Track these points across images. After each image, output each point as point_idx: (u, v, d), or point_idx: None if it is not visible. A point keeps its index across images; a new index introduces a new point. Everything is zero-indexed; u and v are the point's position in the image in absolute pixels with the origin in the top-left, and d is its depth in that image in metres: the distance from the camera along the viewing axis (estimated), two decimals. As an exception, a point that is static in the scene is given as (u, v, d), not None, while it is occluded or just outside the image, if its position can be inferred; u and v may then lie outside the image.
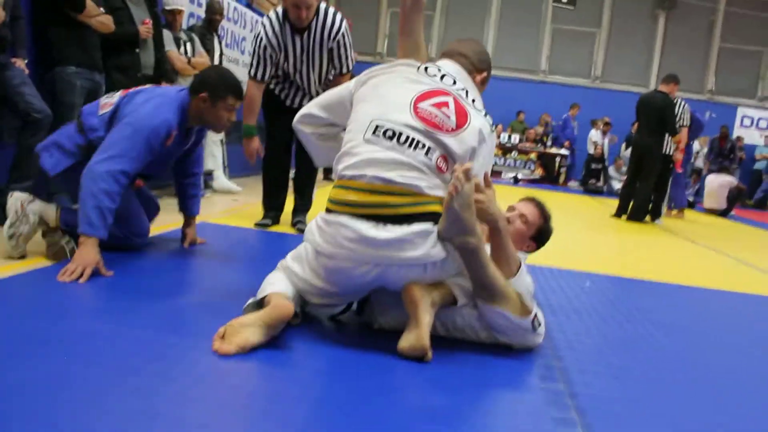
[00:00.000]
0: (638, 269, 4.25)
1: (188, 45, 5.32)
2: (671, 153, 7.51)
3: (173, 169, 3.18)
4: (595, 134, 13.37)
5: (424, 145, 1.97)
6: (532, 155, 13.76)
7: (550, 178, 13.61)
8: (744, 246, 6.64)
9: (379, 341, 2.02)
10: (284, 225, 4.25)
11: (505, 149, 13.73)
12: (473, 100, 2.15)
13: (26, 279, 2.42)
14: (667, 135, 7.40)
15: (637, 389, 1.95)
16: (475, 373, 1.90)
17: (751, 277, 4.61)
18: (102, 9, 4.01)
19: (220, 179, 6.11)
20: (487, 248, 2.06)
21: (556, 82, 14.99)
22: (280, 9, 3.81)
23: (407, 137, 1.98)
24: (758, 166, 14.03)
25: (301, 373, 1.78)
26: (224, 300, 2.30)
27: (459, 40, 2.36)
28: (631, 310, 3.00)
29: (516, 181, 13.28)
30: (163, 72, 4.74)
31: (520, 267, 2.12)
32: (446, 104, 2.05)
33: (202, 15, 6.01)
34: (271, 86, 4.13)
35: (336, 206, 1.98)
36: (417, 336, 1.88)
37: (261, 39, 3.80)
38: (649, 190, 7.50)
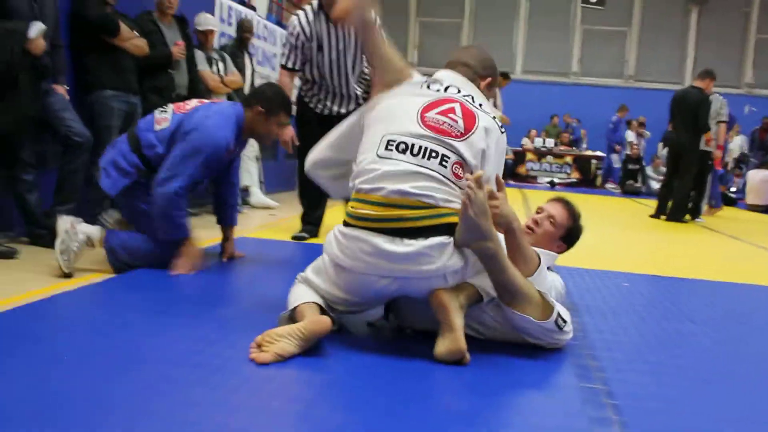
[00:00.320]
0: (677, 267, 4.18)
1: (220, 64, 5.42)
2: (711, 149, 7.34)
3: (212, 178, 3.25)
4: (630, 134, 13.20)
5: (437, 154, 1.98)
6: (568, 159, 13.63)
7: (586, 181, 13.47)
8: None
9: (414, 346, 2.04)
10: (322, 237, 4.27)
11: (540, 153, 13.64)
12: (480, 105, 2.16)
13: (73, 296, 2.52)
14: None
15: (675, 387, 1.93)
16: (510, 375, 1.91)
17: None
18: (136, 33, 4.13)
19: (257, 195, 6.14)
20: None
21: (589, 84, 14.85)
22: (315, 1, 3.87)
23: (420, 147, 1.99)
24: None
25: (338, 379, 1.81)
26: (263, 311, 2.33)
27: (461, 49, 2.37)
28: (669, 308, 2.97)
29: (552, 185, 13.16)
30: (197, 91, 4.83)
31: (539, 266, 2.12)
32: (453, 110, 2.07)
33: (233, 34, 6.11)
34: (302, 93, 4.15)
35: (353, 220, 2.00)
36: (453, 340, 1.88)
37: (294, 27, 3.86)
38: (687, 189, 7.32)
